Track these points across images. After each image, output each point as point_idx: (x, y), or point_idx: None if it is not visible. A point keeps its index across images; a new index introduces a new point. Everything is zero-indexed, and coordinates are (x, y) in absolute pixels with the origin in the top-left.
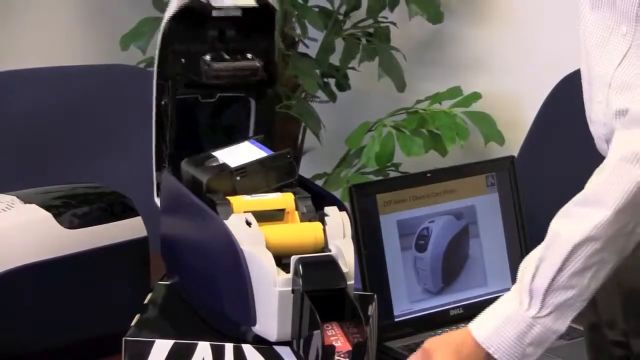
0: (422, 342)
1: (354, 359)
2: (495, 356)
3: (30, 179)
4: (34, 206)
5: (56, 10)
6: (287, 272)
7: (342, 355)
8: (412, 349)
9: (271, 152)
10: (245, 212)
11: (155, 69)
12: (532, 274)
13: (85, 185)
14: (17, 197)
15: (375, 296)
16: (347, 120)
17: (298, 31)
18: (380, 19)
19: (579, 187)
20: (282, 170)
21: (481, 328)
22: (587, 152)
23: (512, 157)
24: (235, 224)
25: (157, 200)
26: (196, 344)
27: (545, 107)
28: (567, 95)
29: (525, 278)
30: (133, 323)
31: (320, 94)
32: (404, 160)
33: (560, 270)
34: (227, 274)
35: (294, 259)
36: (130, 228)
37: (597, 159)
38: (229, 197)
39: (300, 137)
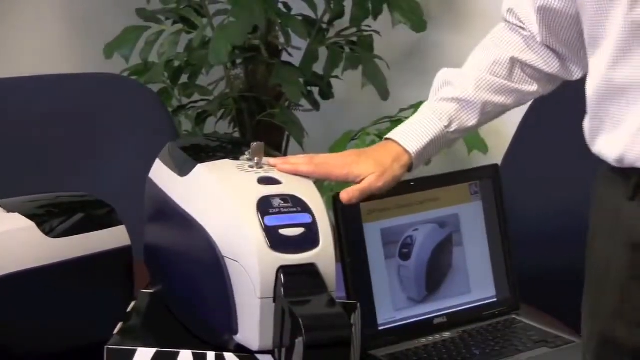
0: (406, 350)
1: None
2: None
3: (14, 187)
4: (17, 215)
5: (40, 19)
6: None
7: None
8: (397, 357)
9: None
10: None
11: None
12: None
13: (69, 194)
14: (0, 205)
15: (359, 305)
16: (330, 128)
17: (282, 40)
18: (363, 28)
19: (563, 194)
20: None
21: None
22: (571, 161)
23: (496, 165)
24: None
25: None
26: (178, 352)
27: (528, 115)
28: (551, 104)
29: None
30: (115, 331)
31: (304, 102)
32: None
33: None
34: (209, 283)
35: (276, 267)
36: (114, 237)
37: (581, 167)
38: None
39: (283, 146)
